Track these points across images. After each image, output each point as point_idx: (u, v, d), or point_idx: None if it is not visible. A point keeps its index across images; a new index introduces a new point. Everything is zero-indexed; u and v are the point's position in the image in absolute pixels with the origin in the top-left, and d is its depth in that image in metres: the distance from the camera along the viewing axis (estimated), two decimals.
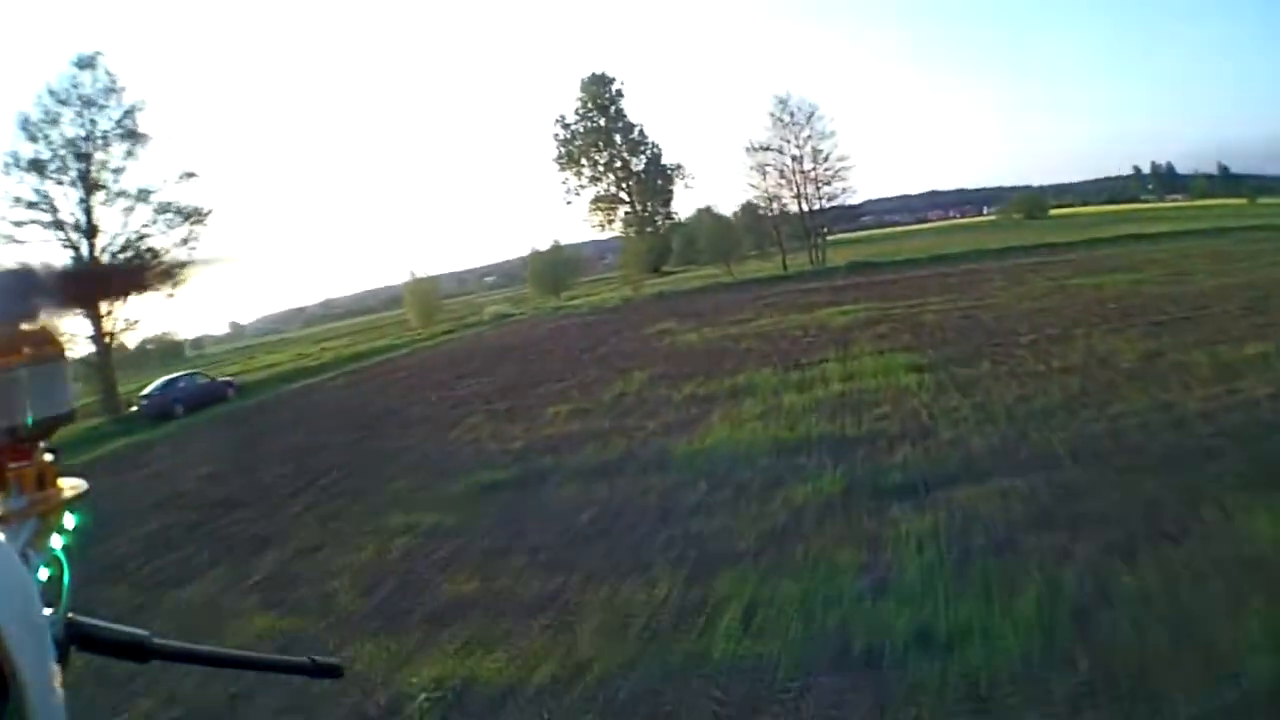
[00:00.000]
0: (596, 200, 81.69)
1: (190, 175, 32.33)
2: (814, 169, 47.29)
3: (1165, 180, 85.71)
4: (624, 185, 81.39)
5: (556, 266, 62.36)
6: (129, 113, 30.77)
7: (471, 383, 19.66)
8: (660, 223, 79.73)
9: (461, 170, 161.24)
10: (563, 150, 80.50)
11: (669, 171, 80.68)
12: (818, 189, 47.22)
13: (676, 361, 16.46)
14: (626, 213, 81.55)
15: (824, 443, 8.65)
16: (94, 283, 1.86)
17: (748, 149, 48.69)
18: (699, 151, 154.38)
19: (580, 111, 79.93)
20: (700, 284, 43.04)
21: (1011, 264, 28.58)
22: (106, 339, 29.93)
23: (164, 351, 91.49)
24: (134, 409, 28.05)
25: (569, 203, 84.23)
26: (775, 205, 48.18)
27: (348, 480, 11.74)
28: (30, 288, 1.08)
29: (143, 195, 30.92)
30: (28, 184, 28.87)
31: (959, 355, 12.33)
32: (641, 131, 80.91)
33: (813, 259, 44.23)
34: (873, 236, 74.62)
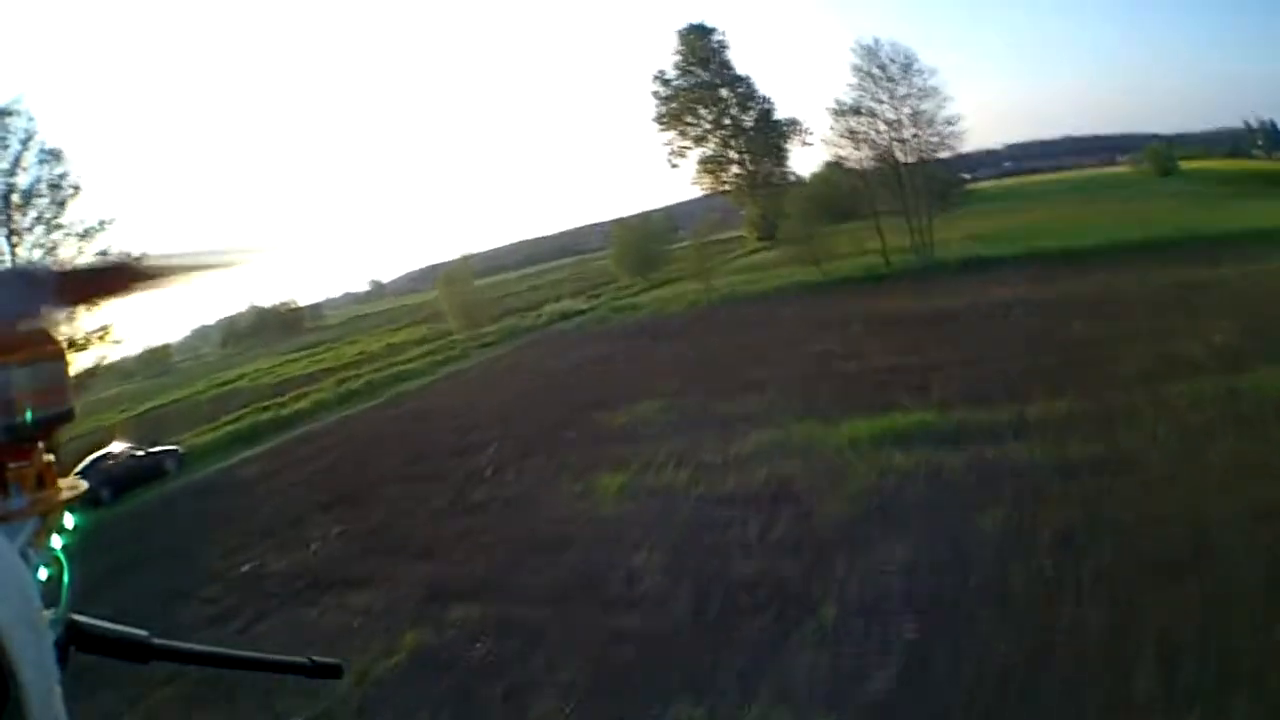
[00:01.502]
0: (704, 161, 73.55)
1: (109, 222, 28.93)
2: (916, 135, 35.89)
3: (1270, 136, 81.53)
4: (733, 144, 72.63)
5: (647, 241, 55.16)
6: (49, 159, 27.39)
7: (314, 536, 13.67)
8: (776, 182, 70.56)
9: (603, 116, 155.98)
10: (663, 109, 72.44)
11: (783, 128, 71.01)
12: (922, 161, 36.04)
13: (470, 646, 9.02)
14: (737, 174, 73.09)
15: None
16: (94, 281, 1.44)
17: (833, 111, 38.22)
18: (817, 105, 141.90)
19: (681, 66, 71.39)
20: (777, 283, 34.74)
21: (1165, 285, 19.10)
22: None
23: (282, 322, 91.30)
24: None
25: (674, 165, 75.35)
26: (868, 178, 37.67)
27: None
28: (29, 287, 1.07)
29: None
30: None
31: None
32: (750, 85, 71.56)
33: (916, 243, 34.43)
34: (1008, 191, 64.51)
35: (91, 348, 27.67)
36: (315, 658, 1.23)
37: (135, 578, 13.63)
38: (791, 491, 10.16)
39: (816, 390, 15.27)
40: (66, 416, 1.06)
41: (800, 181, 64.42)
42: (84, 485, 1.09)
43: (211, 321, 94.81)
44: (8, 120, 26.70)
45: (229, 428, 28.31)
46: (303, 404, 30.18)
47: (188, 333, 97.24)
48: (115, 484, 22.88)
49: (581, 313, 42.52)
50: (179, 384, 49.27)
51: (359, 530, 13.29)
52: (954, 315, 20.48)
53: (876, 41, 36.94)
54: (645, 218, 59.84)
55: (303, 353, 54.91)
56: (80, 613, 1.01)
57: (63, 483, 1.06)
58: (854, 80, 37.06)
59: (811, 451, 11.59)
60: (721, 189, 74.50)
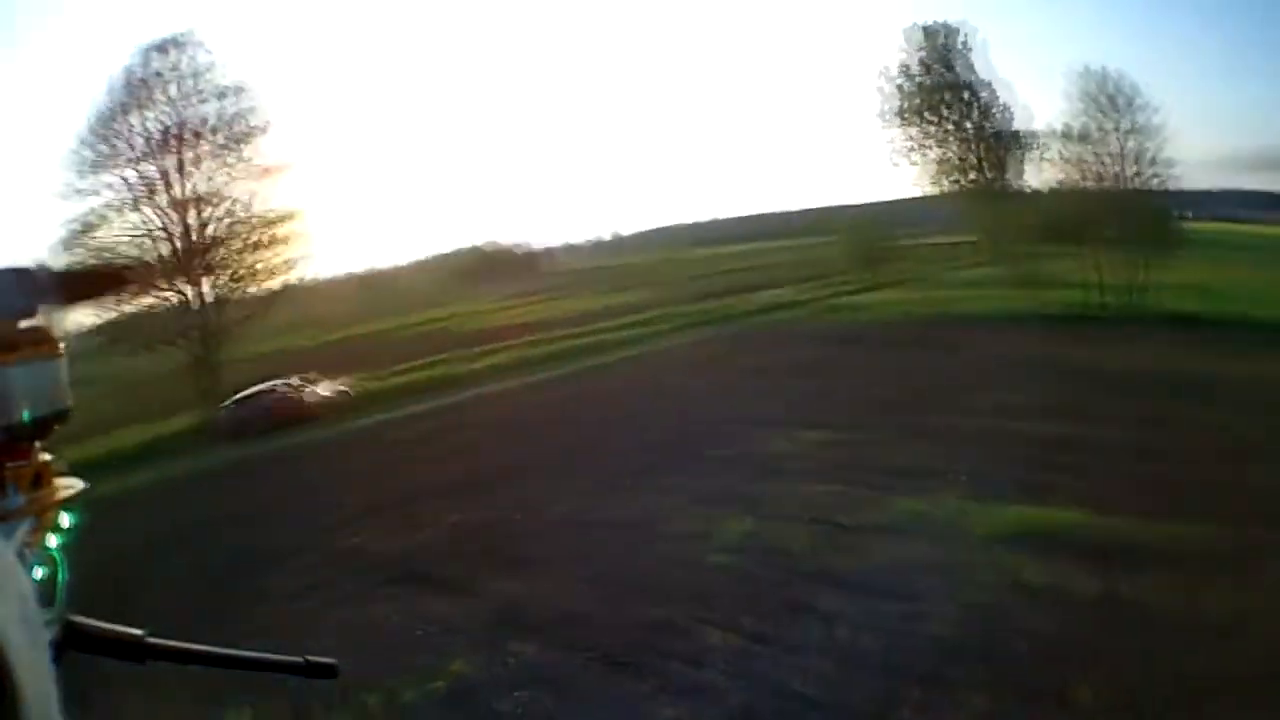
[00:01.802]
0: (942, 163, 69.15)
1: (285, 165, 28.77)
2: (1136, 172, 32.98)
3: None
4: (973, 150, 67.80)
5: (874, 237, 53.44)
6: (227, 94, 27.10)
7: (425, 522, 13.42)
8: (1009, 194, 65.38)
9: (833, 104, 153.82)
10: (902, 104, 68.48)
11: (1021, 139, 65.36)
12: (1145, 197, 32.92)
13: None
14: (973, 179, 68.25)
15: None
16: (92, 282, 1.10)
17: (1059, 134, 36.20)
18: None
19: (925, 62, 67.17)
20: (991, 306, 32.27)
21: None
22: (210, 298, 26.42)
23: (516, 263, 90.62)
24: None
25: (912, 164, 70.75)
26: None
27: None
28: (27, 286, 1.06)
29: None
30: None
31: None
32: (994, 90, 66.16)
33: (1132, 283, 31.18)
34: (1220, 237, 56.56)
35: (275, 278, 28.40)
36: (310, 658, 1.20)
37: (240, 530, 14.21)
38: (906, 589, 8.99)
39: (982, 453, 13.84)
40: (63, 416, 1.05)
41: (1035, 195, 59.63)
42: (80, 485, 1.06)
43: (449, 250, 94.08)
44: (176, 52, 26.30)
45: (406, 377, 28.48)
46: (490, 360, 30.30)
47: (426, 257, 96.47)
48: (267, 420, 23.53)
49: (794, 305, 41.70)
50: (390, 312, 50.41)
51: (470, 524, 13.10)
52: (1146, 382, 18.55)
53: (1104, 68, 34.63)
54: (875, 211, 58.07)
55: (521, 300, 54.63)
56: (85, 606, 0.99)
57: (59, 482, 1.05)
58: (1079, 105, 34.84)
59: (946, 538, 10.35)
60: (954, 193, 69.95)
